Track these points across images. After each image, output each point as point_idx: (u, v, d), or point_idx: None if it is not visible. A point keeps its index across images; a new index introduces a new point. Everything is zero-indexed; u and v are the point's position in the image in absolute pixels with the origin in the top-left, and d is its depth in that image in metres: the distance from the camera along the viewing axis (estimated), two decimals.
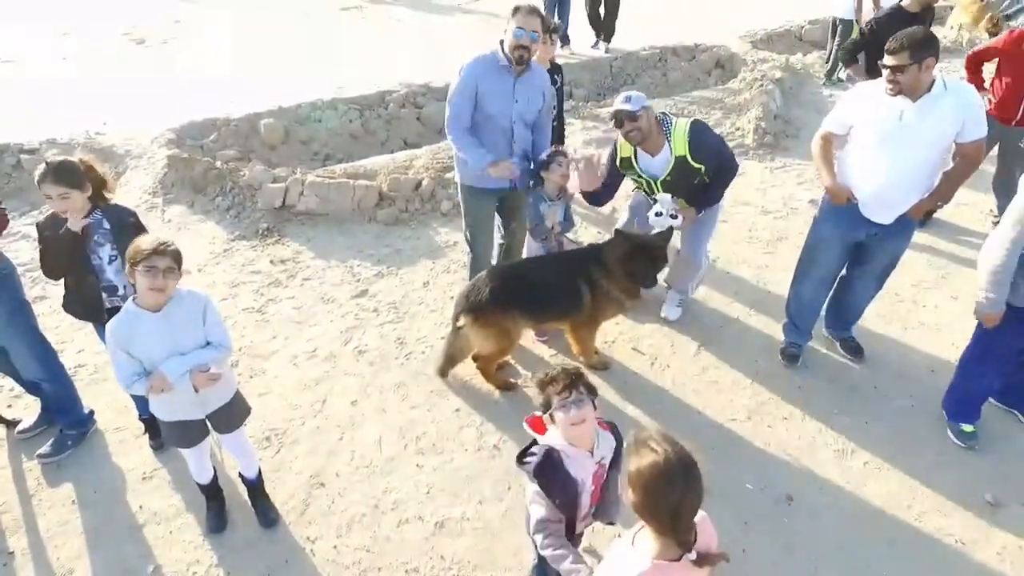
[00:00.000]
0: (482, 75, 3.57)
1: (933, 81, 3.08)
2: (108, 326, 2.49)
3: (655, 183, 3.71)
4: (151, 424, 3.49)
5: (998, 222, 5.13)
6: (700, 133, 3.62)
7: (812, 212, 5.44)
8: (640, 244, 3.60)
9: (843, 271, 3.79)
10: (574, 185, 3.87)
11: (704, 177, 3.67)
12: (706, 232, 4.05)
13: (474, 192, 3.89)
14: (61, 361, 3.47)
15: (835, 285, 3.87)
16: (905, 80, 3.03)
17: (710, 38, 9.05)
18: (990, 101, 4.73)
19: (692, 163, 3.59)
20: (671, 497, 1.59)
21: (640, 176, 3.74)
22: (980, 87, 4.76)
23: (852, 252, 3.64)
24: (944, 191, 3.35)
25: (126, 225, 2.90)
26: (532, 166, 3.87)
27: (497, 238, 4.26)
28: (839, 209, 3.46)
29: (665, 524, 1.61)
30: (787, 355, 3.99)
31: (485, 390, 3.83)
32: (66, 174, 2.81)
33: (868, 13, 7.63)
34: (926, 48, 2.97)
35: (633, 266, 3.55)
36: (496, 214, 4.11)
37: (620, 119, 3.54)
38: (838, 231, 3.54)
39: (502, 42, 3.58)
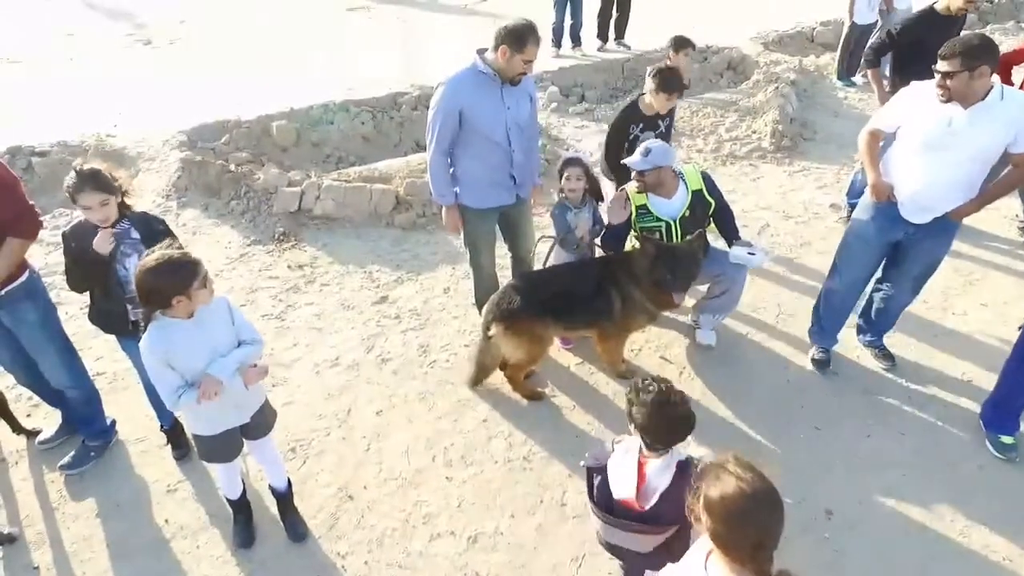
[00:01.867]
0: (464, 92, 3.41)
1: (990, 89, 3.00)
2: (143, 345, 2.40)
3: (673, 223, 3.72)
4: (173, 435, 3.43)
5: (1023, 227, 5.16)
6: (708, 175, 3.92)
7: (834, 217, 5.47)
8: (666, 249, 3.53)
9: (878, 273, 3.73)
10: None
11: (712, 216, 3.88)
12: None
13: (470, 212, 3.74)
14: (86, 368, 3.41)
15: (869, 291, 3.82)
16: (955, 87, 2.96)
17: (721, 39, 8.99)
18: None
19: (707, 197, 3.81)
20: (754, 528, 1.53)
21: (658, 220, 3.73)
22: None
23: (889, 253, 3.58)
24: (990, 198, 3.27)
25: (156, 234, 2.81)
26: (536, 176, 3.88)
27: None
28: (879, 207, 3.41)
29: (746, 555, 1.55)
30: (817, 361, 3.94)
31: (512, 399, 3.76)
32: (104, 180, 2.74)
33: (873, 12, 7.63)
34: (981, 56, 2.89)
35: (659, 273, 3.49)
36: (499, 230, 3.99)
37: (630, 168, 3.71)
38: (876, 229, 3.48)
39: (480, 52, 3.43)
